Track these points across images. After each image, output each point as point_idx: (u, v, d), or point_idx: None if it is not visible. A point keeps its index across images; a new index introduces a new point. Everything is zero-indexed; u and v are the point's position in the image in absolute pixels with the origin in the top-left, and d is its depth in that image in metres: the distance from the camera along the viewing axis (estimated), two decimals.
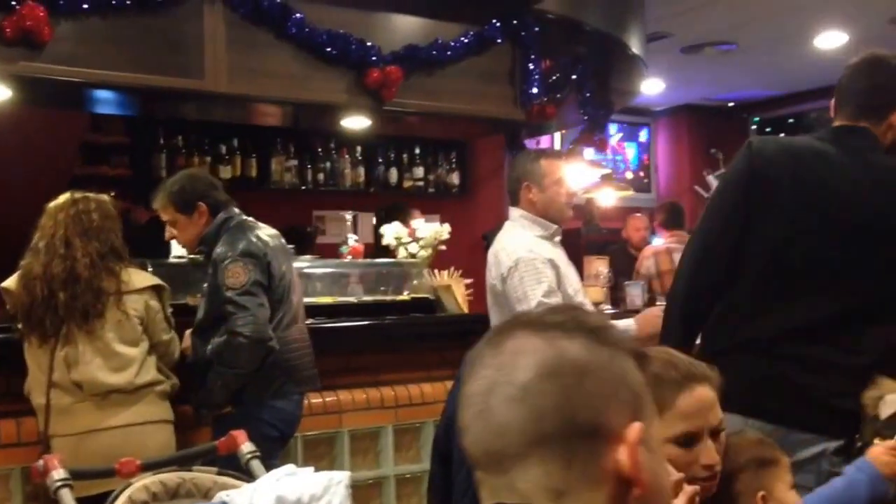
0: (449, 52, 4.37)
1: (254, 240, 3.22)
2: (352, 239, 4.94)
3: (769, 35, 6.93)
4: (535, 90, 4.65)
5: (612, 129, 9.31)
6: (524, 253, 3.12)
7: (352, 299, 4.35)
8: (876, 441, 1.88)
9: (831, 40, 6.92)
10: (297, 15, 3.96)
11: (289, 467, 2.10)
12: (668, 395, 1.51)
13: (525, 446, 0.79)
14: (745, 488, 1.61)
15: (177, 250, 4.00)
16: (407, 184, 6.27)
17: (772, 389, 2.11)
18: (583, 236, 7.62)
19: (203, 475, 2.17)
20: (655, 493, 0.81)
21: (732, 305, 2.20)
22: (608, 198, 7.27)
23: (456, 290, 4.38)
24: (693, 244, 2.32)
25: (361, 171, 6.18)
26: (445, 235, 4.70)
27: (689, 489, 1.42)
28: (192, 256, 3.78)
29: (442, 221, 4.91)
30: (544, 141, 8.34)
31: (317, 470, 2.11)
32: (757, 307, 2.17)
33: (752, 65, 7.91)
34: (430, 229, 4.71)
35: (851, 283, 2.14)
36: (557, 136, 8.34)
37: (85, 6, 3.57)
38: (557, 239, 3.33)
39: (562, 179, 3.29)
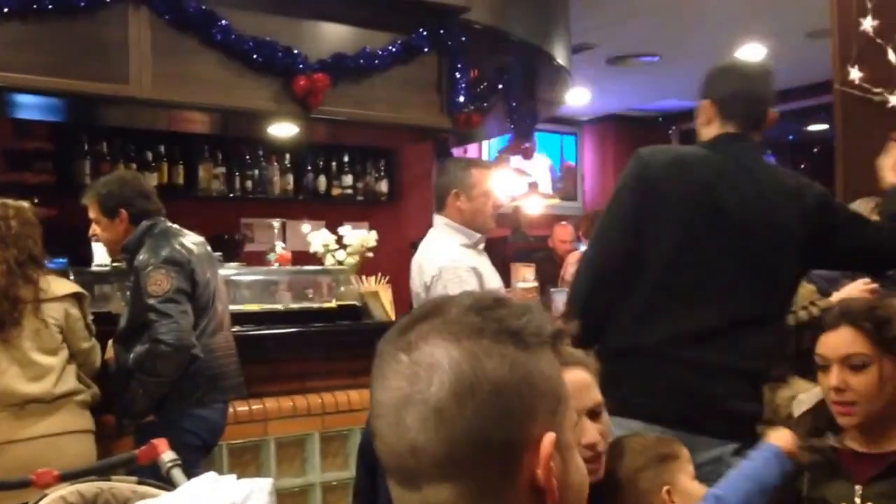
0: (376, 61, 4.40)
1: (177, 247, 3.20)
2: (279, 246, 4.92)
3: (691, 47, 7.12)
4: (461, 99, 4.70)
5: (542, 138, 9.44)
6: (447, 262, 3.16)
7: (279, 307, 4.33)
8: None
9: (750, 53, 7.15)
10: (223, 22, 3.94)
11: (210, 475, 2.09)
12: (562, 346, 1.56)
13: (438, 468, 0.77)
14: (649, 486, 1.66)
15: (99, 258, 3.94)
16: (336, 191, 6.26)
17: (670, 395, 2.13)
18: (510, 244, 7.72)
19: (122, 485, 2.14)
20: (568, 491, 0.81)
21: (630, 310, 2.22)
22: (535, 206, 7.38)
23: (383, 297, 4.40)
24: (591, 250, 2.36)
25: (290, 178, 6.15)
26: (372, 243, 4.72)
27: None
28: (115, 264, 3.72)
29: (371, 229, 4.93)
30: (472, 149, 8.42)
31: (241, 478, 2.11)
32: (653, 312, 2.19)
33: (675, 76, 8.11)
34: (358, 237, 4.72)
35: (742, 287, 2.19)
36: (485, 144, 8.44)
37: (6, 10, 3.50)
38: (481, 247, 3.38)
39: (490, 190, 3.34)
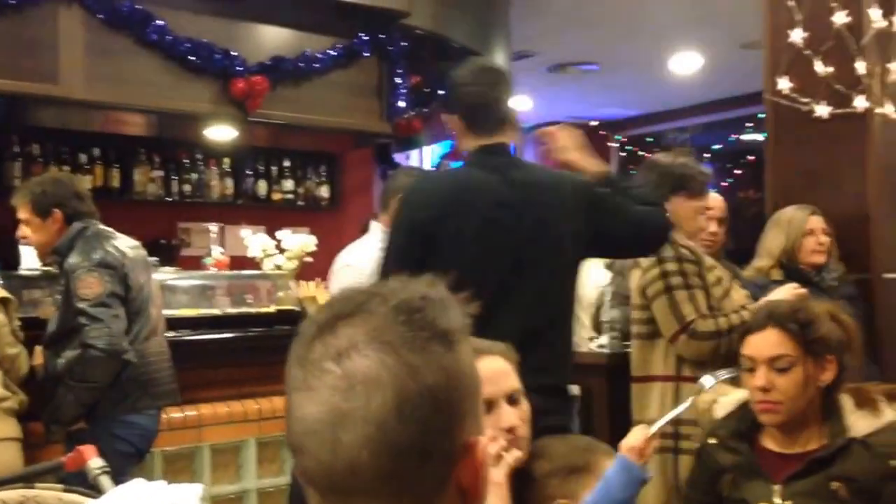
0: (316, 65, 4.38)
1: (110, 250, 3.14)
2: (217, 251, 4.86)
3: (628, 57, 7.24)
4: (402, 104, 4.71)
5: None
6: (354, 260, 3.21)
7: (215, 311, 4.27)
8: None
9: (687, 63, 7.29)
10: (159, 22, 3.89)
11: (138, 481, 2.06)
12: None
13: (377, 483, 0.75)
14: (553, 493, 1.67)
15: (28, 261, 3.84)
16: (276, 196, 6.20)
17: None
18: None
19: (47, 492, 2.09)
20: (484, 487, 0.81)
21: None
22: None
23: (322, 302, 4.37)
24: (381, 276, 2.34)
25: (229, 182, 6.07)
26: (312, 248, 4.69)
27: (506, 461, 1.56)
28: (45, 268, 3.63)
29: (311, 234, 4.89)
30: (414, 155, 8.43)
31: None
32: None
33: (614, 85, 8.24)
34: (297, 241, 4.69)
35: (529, 300, 2.19)
36: (428, 150, 8.45)
37: None
38: None
39: None
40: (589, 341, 3.54)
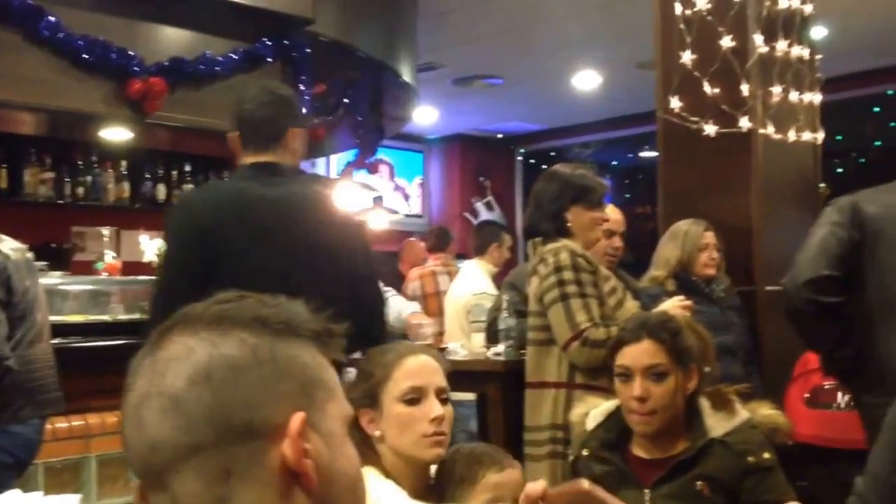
0: (217, 68, 4.32)
1: None
2: (109, 255, 4.72)
3: (532, 72, 7.38)
4: (304, 111, 4.67)
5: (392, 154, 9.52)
6: None
7: (105, 318, 4.15)
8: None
9: (587, 80, 7.48)
10: (51, 18, 3.77)
11: (14, 493, 1.99)
12: (394, 359, 1.73)
13: (180, 460, 0.75)
14: (449, 496, 1.73)
15: None
16: (176, 200, 6.07)
17: None
18: None
19: None
20: (334, 478, 0.79)
21: None
22: (380, 221, 7.42)
23: None
24: (161, 282, 2.42)
25: (126, 186, 5.92)
26: None
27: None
28: None
29: None
30: (320, 163, 8.39)
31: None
32: None
33: (518, 99, 8.38)
34: None
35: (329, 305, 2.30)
36: (334, 158, 8.43)
37: None
38: None
39: None
40: (485, 349, 3.59)
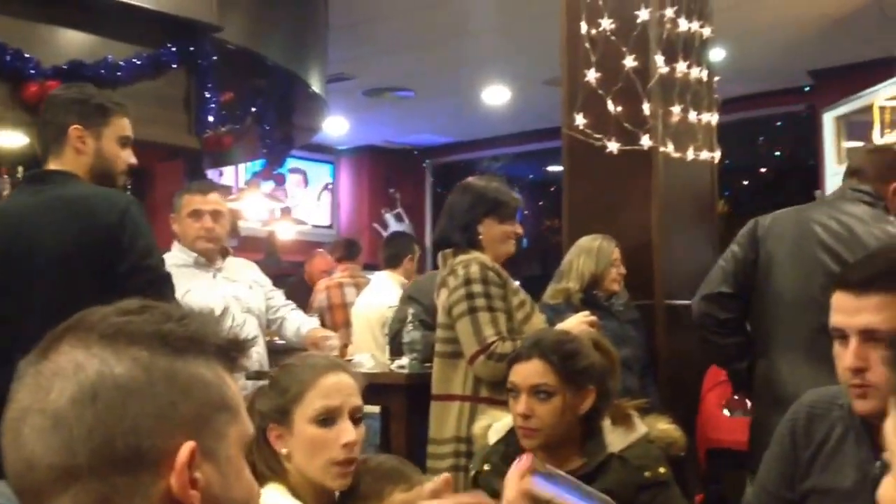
0: (119, 73, 4.20)
1: None
2: None
3: (443, 86, 7.44)
4: (210, 119, 4.60)
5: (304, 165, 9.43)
6: None
7: None
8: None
9: (496, 95, 7.58)
10: None
11: None
12: (311, 377, 1.67)
13: (57, 484, 0.71)
14: None
15: None
16: None
17: None
18: (263, 268, 7.61)
19: None
20: None
21: None
22: (288, 231, 7.34)
23: None
24: None
25: None
26: None
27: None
28: None
29: None
30: (228, 172, 8.25)
31: None
32: None
33: (429, 112, 8.43)
34: None
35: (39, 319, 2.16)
36: (243, 167, 8.30)
37: None
38: (213, 266, 3.36)
39: (197, 212, 3.31)
40: (389, 362, 3.58)
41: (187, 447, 0.73)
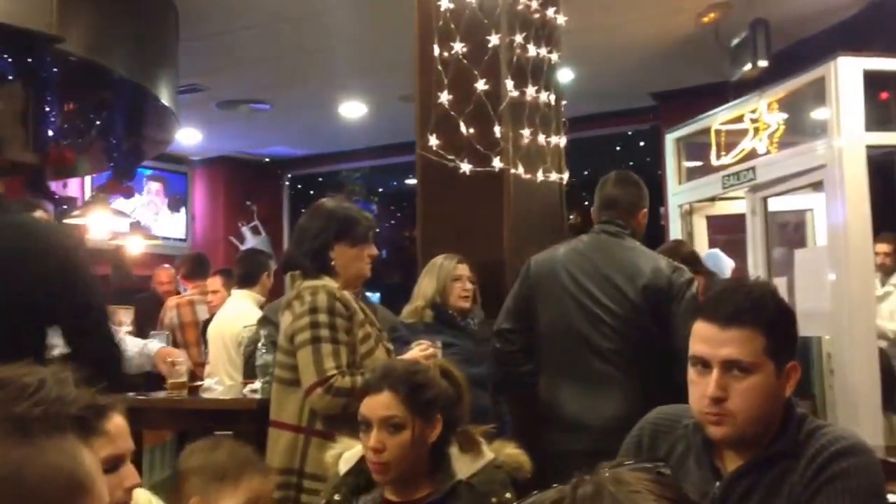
0: None
1: None
2: None
3: (299, 99, 7.38)
4: (51, 133, 4.40)
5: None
6: None
7: None
8: None
9: (353, 110, 7.58)
10: None
11: None
12: (96, 422, 1.57)
13: None
14: (190, 490, 1.68)
15: None
16: None
17: None
18: (112, 283, 7.32)
19: None
20: None
21: None
22: (137, 245, 7.09)
23: None
24: None
25: None
26: None
27: None
28: None
29: None
30: (73, 184, 7.89)
31: None
32: None
33: (285, 125, 8.34)
34: None
35: None
36: (89, 179, 7.96)
37: None
38: None
39: None
40: (242, 386, 3.52)
41: None
